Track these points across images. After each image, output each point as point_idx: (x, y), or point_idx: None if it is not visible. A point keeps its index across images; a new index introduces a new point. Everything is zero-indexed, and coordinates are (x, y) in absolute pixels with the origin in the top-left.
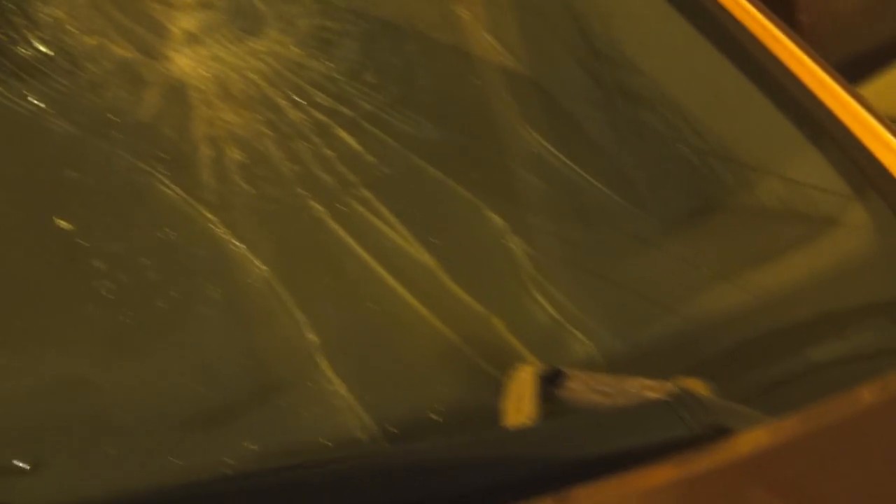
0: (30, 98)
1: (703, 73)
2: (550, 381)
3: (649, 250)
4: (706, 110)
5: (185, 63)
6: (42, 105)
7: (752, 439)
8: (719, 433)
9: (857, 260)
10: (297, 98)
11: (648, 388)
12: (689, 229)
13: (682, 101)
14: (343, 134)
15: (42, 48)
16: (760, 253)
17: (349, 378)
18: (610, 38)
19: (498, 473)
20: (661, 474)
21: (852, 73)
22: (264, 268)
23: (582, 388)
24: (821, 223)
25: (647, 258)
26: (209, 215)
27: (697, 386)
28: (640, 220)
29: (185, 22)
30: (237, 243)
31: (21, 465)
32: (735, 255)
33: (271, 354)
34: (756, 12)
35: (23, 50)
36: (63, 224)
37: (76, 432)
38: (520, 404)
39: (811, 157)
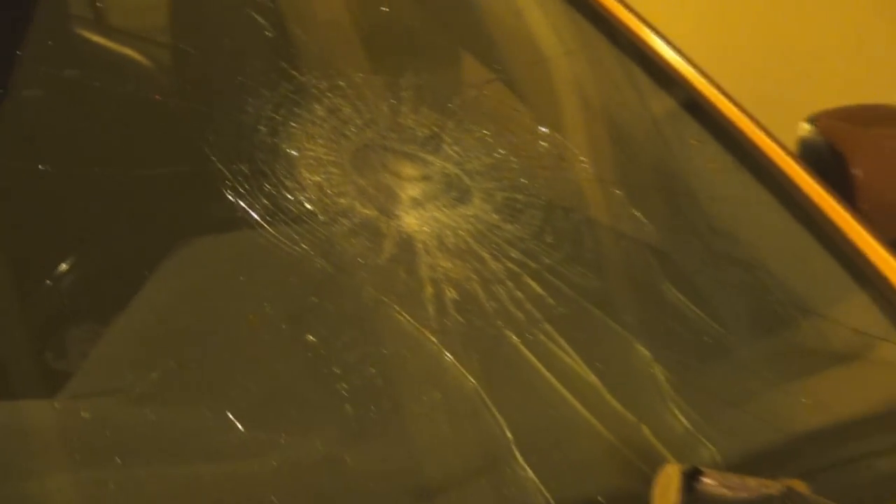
0: (301, 243)
1: (785, 241)
2: (691, 477)
3: (752, 378)
4: (788, 270)
5: (412, 221)
6: (308, 249)
7: None
8: None
9: None
10: (495, 252)
11: (765, 486)
12: (778, 363)
13: (769, 264)
14: (530, 281)
15: (308, 206)
16: (830, 384)
17: (536, 466)
18: (719, 214)
19: None
20: None
21: None
22: (472, 380)
23: (714, 483)
24: (870, 359)
25: (750, 384)
26: (431, 338)
27: (801, 486)
28: (746, 355)
29: (410, 190)
30: (452, 360)
31: None
32: (811, 386)
33: (477, 445)
34: (830, 198)
35: (294, 207)
36: (311, 338)
37: (335, 496)
38: (666, 494)
39: (868, 307)
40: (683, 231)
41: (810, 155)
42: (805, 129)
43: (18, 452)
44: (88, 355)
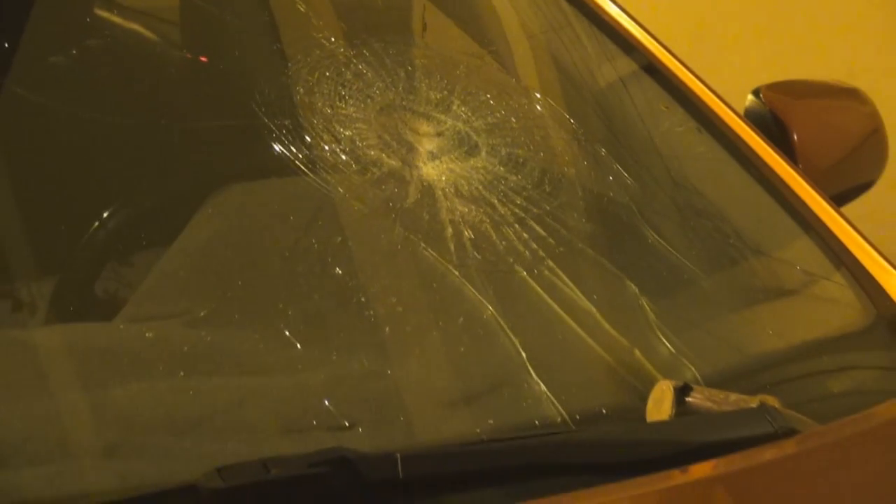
0: (338, 187)
1: (741, 194)
2: (682, 392)
3: (719, 309)
4: (743, 219)
5: (431, 171)
6: (344, 192)
7: (810, 437)
8: (791, 433)
9: (842, 320)
10: (503, 199)
11: (744, 401)
12: (739, 296)
13: (726, 213)
14: (533, 224)
15: (343, 156)
16: (783, 315)
17: (547, 382)
18: (682, 171)
19: (646, 452)
20: (753, 457)
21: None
22: (490, 307)
23: (701, 397)
24: (818, 296)
25: (718, 314)
26: (454, 271)
27: (773, 401)
28: (713, 290)
29: (427, 144)
30: (472, 290)
31: (344, 423)
32: (766, 315)
33: (496, 363)
34: (778, 157)
35: (330, 157)
36: (338, 270)
37: (375, 405)
38: (660, 407)
39: (813, 251)
40: (654, 185)
41: (755, 122)
42: (750, 99)
43: (97, 366)
44: (139, 286)
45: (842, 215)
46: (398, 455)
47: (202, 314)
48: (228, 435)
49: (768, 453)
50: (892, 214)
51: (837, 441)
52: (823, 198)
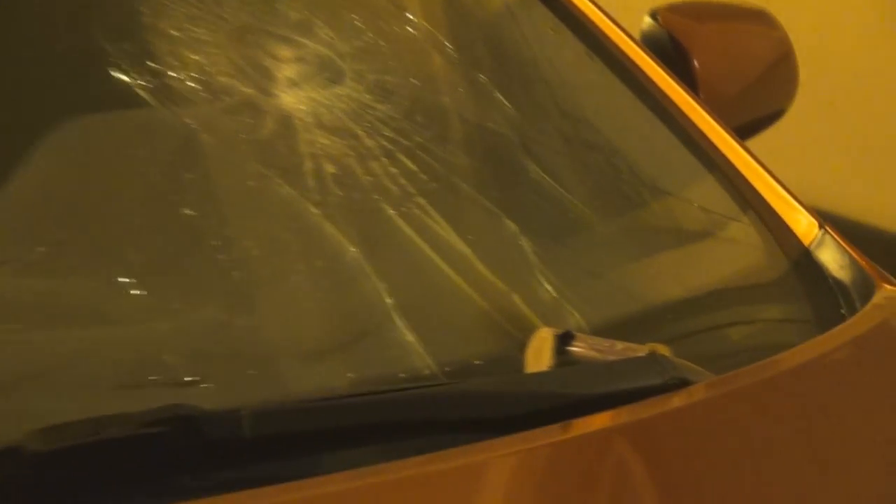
0: (185, 118)
1: (635, 126)
2: (563, 340)
3: (611, 252)
4: (638, 153)
5: (289, 100)
6: (192, 124)
7: (703, 389)
8: (682, 384)
9: (745, 262)
10: (369, 130)
11: (631, 349)
12: (635, 239)
13: (619, 146)
14: (403, 157)
15: (190, 84)
16: (685, 260)
17: (416, 331)
18: (571, 100)
19: (522, 406)
20: (640, 410)
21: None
22: (353, 249)
23: (584, 346)
24: (718, 237)
25: (610, 257)
26: (313, 209)
27: (664, 349)
28: (605, 231)
29: (287, 71)
30: (333, 230)
31: (190, 378)
32: (667, 260)
33: (360, 311)
34: (677, 86)
35: (177, 84)
36: (188, 212)
37: (222, 358)
38: (539, 356)
39: (714, 189)
40: (539, 116)
41: (653, 47)
42: (647, 22)
43: None
44: None
45: (746, 149)
46: (245, 412)
47: (33, 260)
48: (59, 392)
49: (657, 406)
50: (800, 147)
51: (732, 392)
52: (726, 130)
